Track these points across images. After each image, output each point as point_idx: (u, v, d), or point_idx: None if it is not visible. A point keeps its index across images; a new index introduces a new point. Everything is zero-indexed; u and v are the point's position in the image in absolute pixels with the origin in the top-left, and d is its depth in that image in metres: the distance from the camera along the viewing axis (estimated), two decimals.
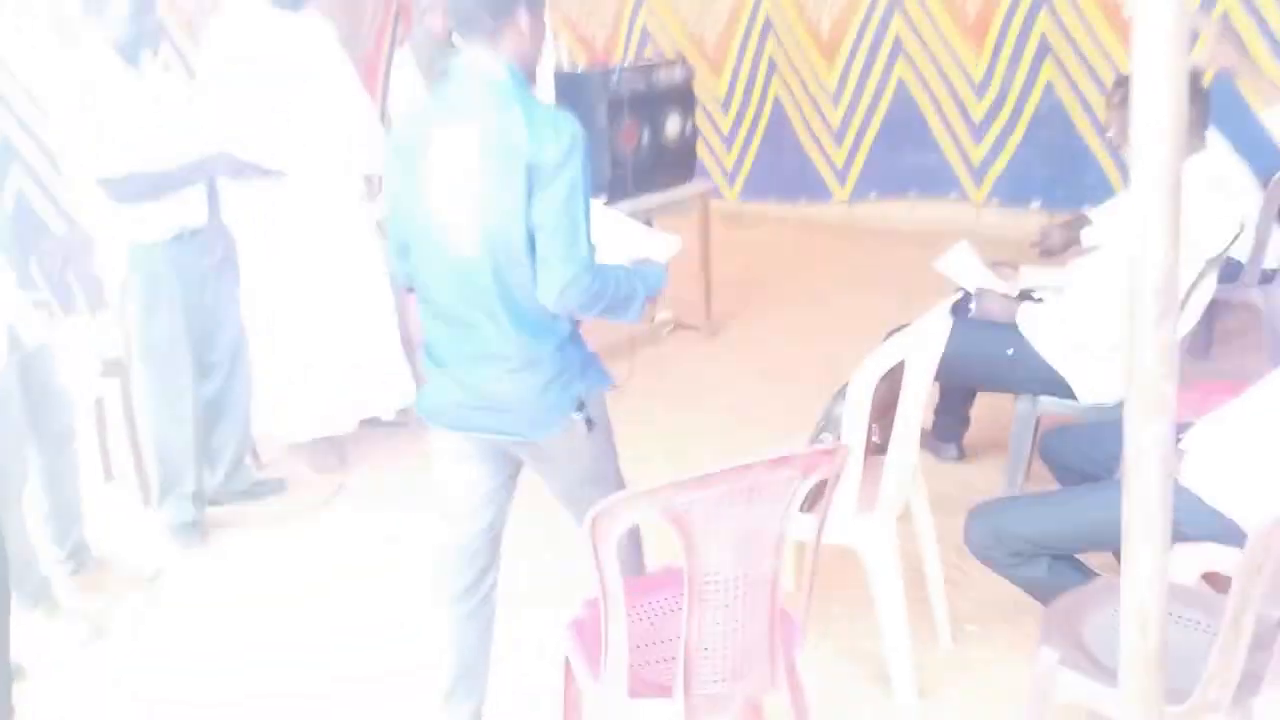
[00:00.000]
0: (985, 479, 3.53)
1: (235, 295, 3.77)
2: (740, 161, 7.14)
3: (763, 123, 6.98)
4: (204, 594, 3.39)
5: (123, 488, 4.06)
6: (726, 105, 7.01)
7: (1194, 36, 2.71)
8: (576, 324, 2.22)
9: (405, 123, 2.42)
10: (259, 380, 3.91)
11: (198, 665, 3.00)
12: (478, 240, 2.03)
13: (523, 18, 2.05)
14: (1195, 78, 3.11)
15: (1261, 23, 5.23)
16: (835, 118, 6.70)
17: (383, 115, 5.77)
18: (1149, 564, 1.16)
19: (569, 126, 2.01)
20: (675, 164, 4.96)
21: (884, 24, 6.37)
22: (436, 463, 2.33)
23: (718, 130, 6.94)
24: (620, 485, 2.29)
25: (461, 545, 2.34)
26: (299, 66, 3.73)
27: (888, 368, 2.36)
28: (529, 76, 2.12)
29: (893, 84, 6.44)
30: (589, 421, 2.20)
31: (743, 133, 7.08)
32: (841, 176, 6.84)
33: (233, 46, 3.69)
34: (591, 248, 2.07)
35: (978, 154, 6.33)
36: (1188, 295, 2.84)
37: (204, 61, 3.80)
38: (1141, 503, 1.15)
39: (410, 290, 2.29)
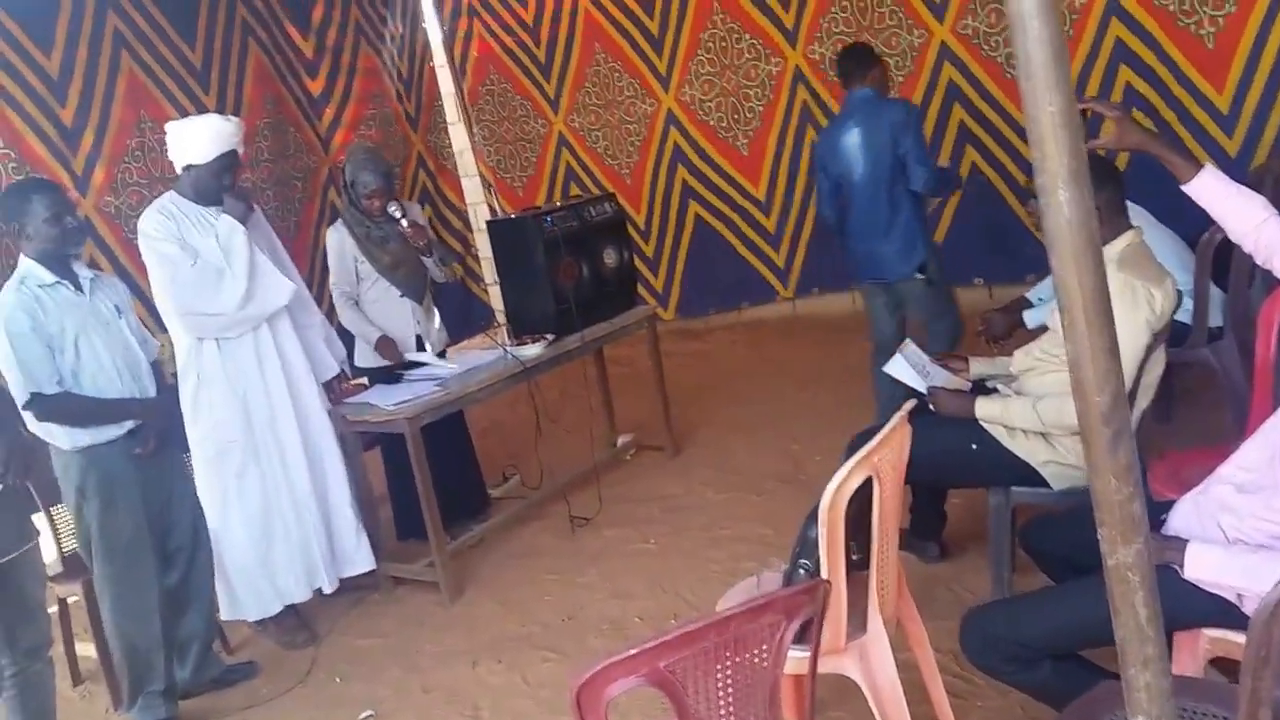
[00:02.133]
0: (972, 574, 3.50)
1: (188, 474, 3.71)
2: (669, 282, 7.29)
3: (685, 243, 7.17)
4: None
5: (91, 693, 3.92)
6: (646, 233, 7.19)
7: (1096, 123, 2.79)
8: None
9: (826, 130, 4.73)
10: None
11: None
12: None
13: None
14: (1107, 163, 3.19)
15: (1167, 95, 5.46)
16: (769, 224, 6.86)
17: (312, 268, 5.90)
18: (1151, 683, 1.14)
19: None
20: (617, 293, 5.01)
21: (799, 136, 6.58)
22: None
23: (642, 257, 7.09)
24: None
25: None
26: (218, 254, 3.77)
27: (855, 485, 2.34)
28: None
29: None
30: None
31: (665, 256, 7.25)
32: (783, 276, 6.96)
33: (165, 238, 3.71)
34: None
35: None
36: (1140, 372, 2.86)
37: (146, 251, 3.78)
38: (1133, 629, 1.14)
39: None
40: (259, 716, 3.60)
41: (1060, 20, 1.04)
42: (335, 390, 4.21)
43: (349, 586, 4.18)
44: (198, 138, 3.73)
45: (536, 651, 3.63)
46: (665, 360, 5.22)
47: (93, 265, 4.30)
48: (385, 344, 4.44)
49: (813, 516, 2.45)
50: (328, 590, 4.08)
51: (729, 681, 1.78)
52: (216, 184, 3.77)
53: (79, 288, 3.37)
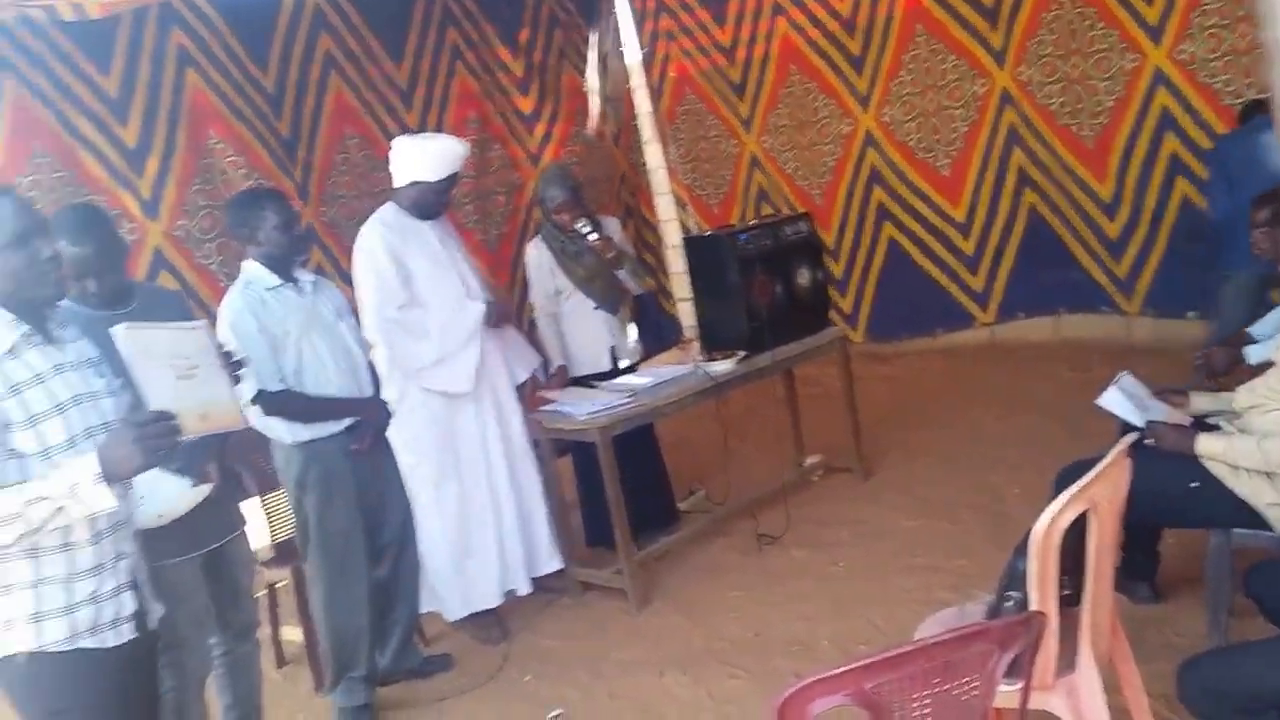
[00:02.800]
0: (1185, 618, 3.30)
1: (398, 477, 3.89)
2: (858, 305, 7.18)
3: (876, 265, 7.04)
4: None
5: (294, 675, 4.15)
6: (836, 254, 7.11)
7: None
8: None
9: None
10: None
11: None
12: None
13: None
14: None
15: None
16: (967, 247, 6.68)
17: (512, 280, 6.08)
18: None
19: None
20: (809, 313, 4.98)
21: (1004, 159, 6.40)
22: None
23: (831, 279, 7.00)
24: None
25: None
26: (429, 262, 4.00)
27: (1071, 518, 2.26)
28: None
29: (1023, 213, 6.43)
30: None
31: (855, 278, 7.15)
32: (982, 301, 6.77)
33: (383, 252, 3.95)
34: None
35: (1121, 269, 6.20)
36: None
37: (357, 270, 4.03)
38: None
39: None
40: (452, 707, 3.74)
41: None
42: (527, 393, 4.36)
43: (539, 588, 4.30)
44: (431, 157, 3.94)
45: (723, 667, 3.63)
46: (855, 382, 5.15)
47: (318, 270, 4.60)
48: (560, 373, 4.59)
49: (1021, 548, 2.37)
50: (523, 593, 4.21)
51: (927, 711, 1.74)
52: (438, 201, 4.00)
53: (301, 291, 3.58)
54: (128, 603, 2.22)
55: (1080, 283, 6.41)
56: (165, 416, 2.02)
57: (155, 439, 1.99)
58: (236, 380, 2.32)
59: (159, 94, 5.06)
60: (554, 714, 3.54)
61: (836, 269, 7.11)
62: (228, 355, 2.32)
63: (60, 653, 2.11)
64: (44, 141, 4.70)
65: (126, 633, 2.21)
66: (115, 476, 1.98)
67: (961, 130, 6.53)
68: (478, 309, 4.01)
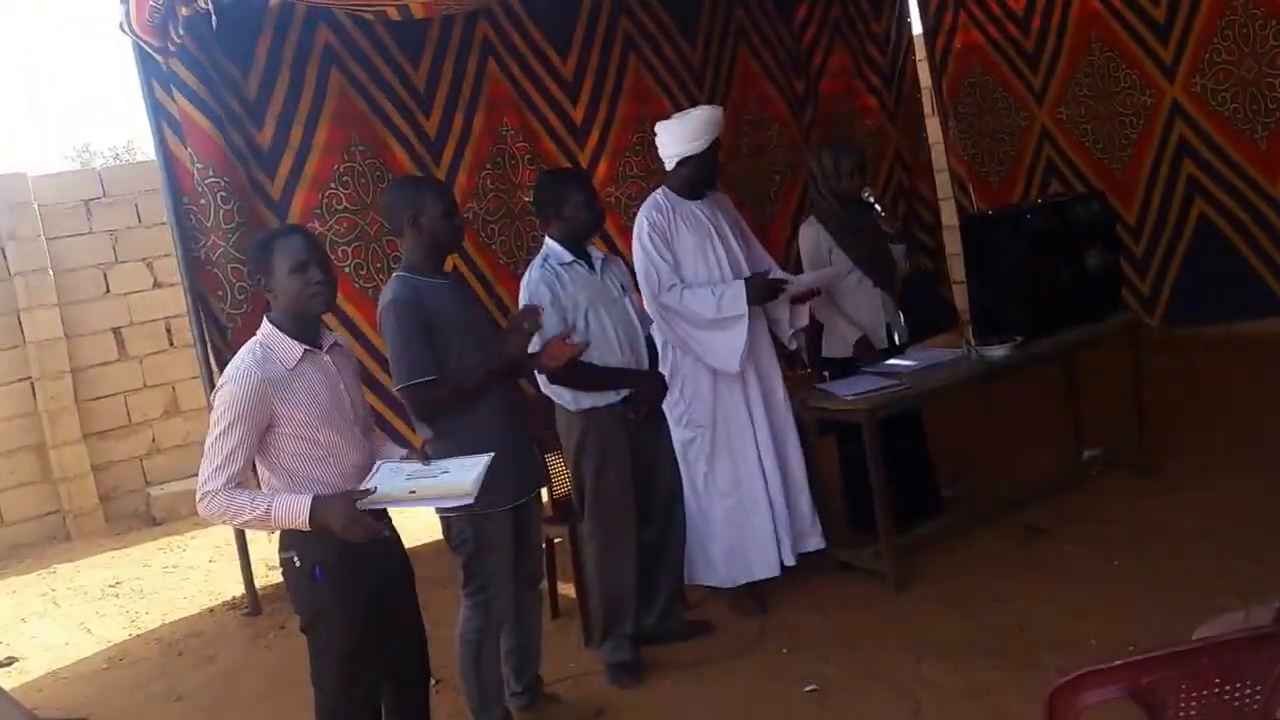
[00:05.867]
0: None
1: (671, 448, 4.06)
2: (1158, 287, 6.68)
3: (1182, 245, 6.52)
4: None
5: (567, 628, 4.40)
6: (1137, 232, 6.64)
7: None
8: None
9: None
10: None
11: None
12: None
13: None
14: None
15: None
16: None
17: (786, 259, 6.08)
18: None
19: None
20: (1098, 297, 4.74)
21: None
22: None
23: (1130, 259, 6.55)
24: None
25: None
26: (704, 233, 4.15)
27: None
28: None
29: None
30: None
31: (1158, 258, 6.64)
32: None
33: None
34: None
35: None
36: None
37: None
38: None
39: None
40: (710, 672, 3.85)
41: None
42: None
43: (799, 565, 4.33)
44: (689, 130, 4.08)
45: (983, 657, 3.56)
46: (1145, 372, 4.85)
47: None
48: (863, 345, 4.52)
49: None
50: (789, 562, 4.27)
51: (1199, 714, 1.67)
52: (710, 170, 4.15)
53: (592, 267, 3.81)
54: None
55: None
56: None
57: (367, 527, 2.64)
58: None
59: (460, 86, 5.44)
60: (810, 688, 3.59)
61: (1137, 249, 6.66)
62: None
63: None
64: (359, 130, 5.17)
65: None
66: (318, 526, 2.59)
67: None
68: (738, 287, 4.07)
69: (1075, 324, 4.64)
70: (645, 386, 3.86)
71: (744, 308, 4.04)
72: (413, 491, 2.70)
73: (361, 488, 2.68)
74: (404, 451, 2.97)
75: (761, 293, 4.08)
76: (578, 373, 3.68)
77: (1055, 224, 4.66)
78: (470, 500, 2.72)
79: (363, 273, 5.12)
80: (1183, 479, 4.74)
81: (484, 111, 5.52)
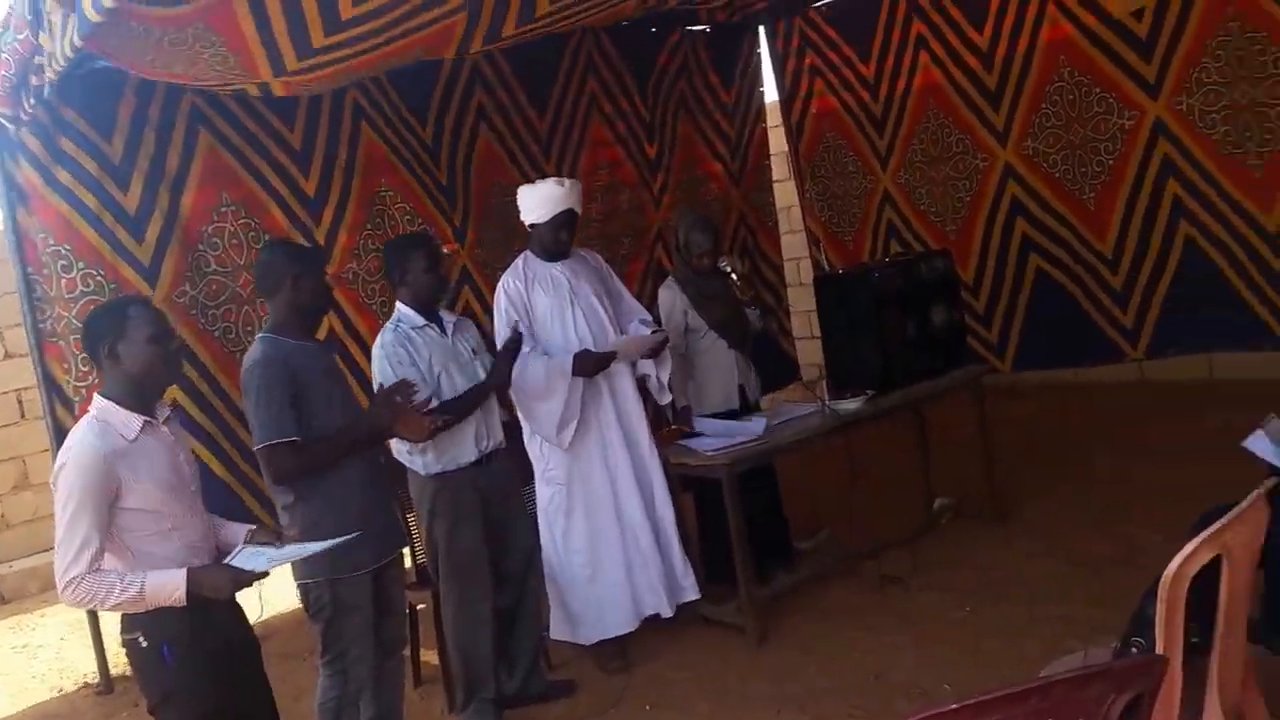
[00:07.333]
0: None
1: (524, 505, 4.05)
2: (1005, 336, 6.99)
3: (1023, 298, 6.85)
4: None
5: (430, 695, 4.29)
6: (976, 289, 6.95)
7: None
8: None
9: None
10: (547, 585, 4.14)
11: None
12: None
13: None
14: None
15: None
16: (1116, 282, 6.45)
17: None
18: None
19: None
20: (944, 351, 4.92)
21: (1157, 190, 6.16)
22: None
23: (973, 314, 6.85)
24: None
25: None
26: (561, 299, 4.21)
27: (1202, 563, 2.18)
28: None
29: (1179, 244, 6.17)
30: None
31: (1000, 311, 6.96)
32: (1132, 337, 6.51)
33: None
34: None
35: None
36: None
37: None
38: None
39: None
40: None
41: None
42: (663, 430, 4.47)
43: (660, 621, 4.32)
44: (539, 199, 4.18)
45: (842, 706, 3.60)
46: (993, 420, 5.05)
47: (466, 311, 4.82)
48: (684, 414, 4.61)
49: (1151, 592, 2.30)
50: (666, 614, 4.28)
51: None
52: (556, 240, 4.19)
53: (444, 330, 3.82)
54: None
55: (1239, 319, 6.10)
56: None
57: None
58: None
59: (337, 146, 5.39)
60: None
61: (977, 304, 6.96)
62: None
63: None
64: (231, 190, 5.06)
65: None
66: (197, 597, 2.53)
67: (1108, 163, 6.33)
68: (565, 361, 4.07)
69: (923, 377, 4.81)
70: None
71: (565, 382, 4.05)
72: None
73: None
74: (249, 528, 2.89)
75: (589, 366, 4.10)
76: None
77: (903, 281, 4.83)
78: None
79: (231, 336, 4.96)
80: (1029, 525, 4.92)
81: (361, 173, 5.48)
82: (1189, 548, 2.15)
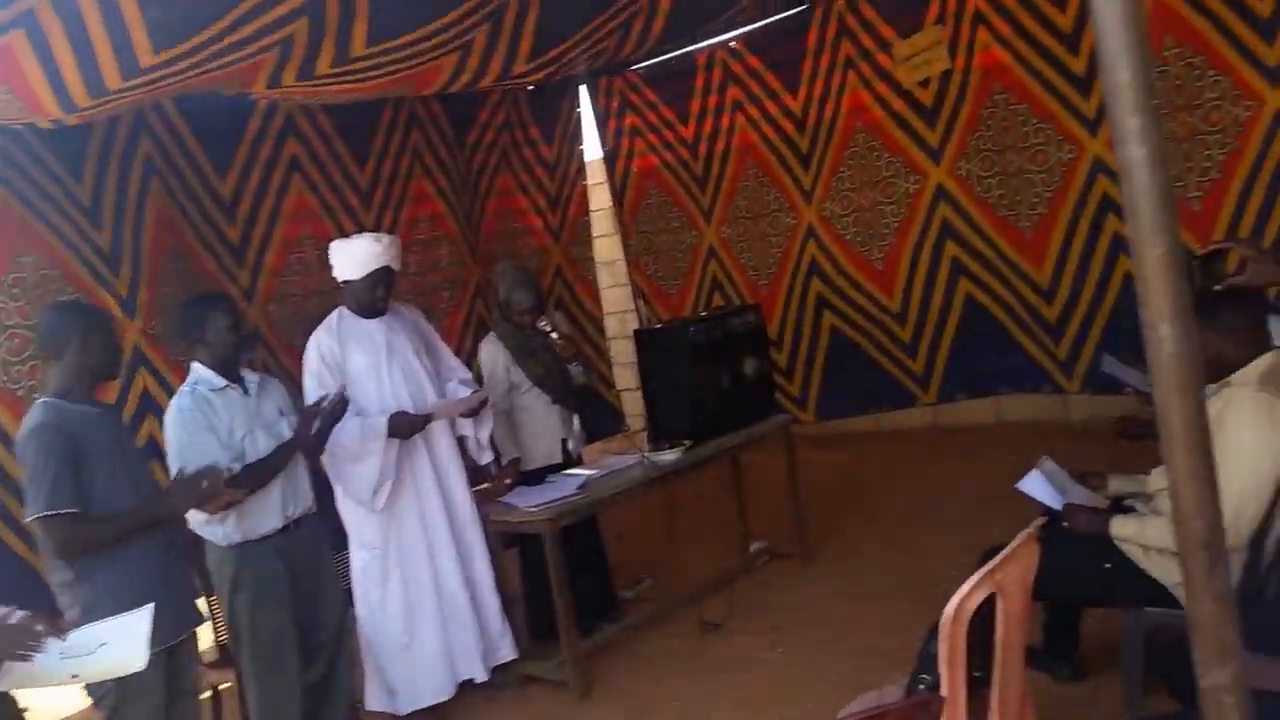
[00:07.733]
0: (1105, 697, 3.39)
1: (332, 574, 3.90)
2: (806, 388, 7.35)
3: (820, 353, 7.23)
4: None
5: None
6: (780, 342, 7.29)
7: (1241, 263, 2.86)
8: None
9: None
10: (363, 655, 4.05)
11: None
12: None
13: None
14: (1244, 289, 3.13)
15: None
16: (905, 335, 6.87)
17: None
18: None
19: None
20: (755, 401, 5.12)
21: (937, 250, 6.63)
22: None
23: (776, 366, 7.17)
24: None
25: None
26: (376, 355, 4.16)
27: (979, 601, 2.36)
28: None
29: (959, 300, 6.64)
30: None
31: (800, 365, 7.32)
32: (922, 382, 6.94)
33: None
34: None
35: (1061, 350, 6.40)
36: (1273, 513, 2.78)
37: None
38: None
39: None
40: None
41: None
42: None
43: (485, 682, 4.30)
44: (353, 256, 4.12)
45: None
46: (801, 467, 5.27)
47: (264, 369, 4.69)
48: (511, 466, 4.65)
49: (934, 632, 2.47)
50: (481, 679, 4.22)
51: None
52: (372, 298, 4.13)
53: (246, 391, 3.66)
54: None
55: (1021, 365, 6.60)
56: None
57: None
58: None
59: (126, 201, 5.17)
60: None
61: (780, 357, 7.28)
62: None
63: None
64: (28, 242, 4.79)
65: None
66: None
67: (894, 225, 6.78)
68: (380, 422, 4.03)
69: (736, 427, 4.99)
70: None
71: (380, 444, 4.00)
72: (75, 675, 2.44)
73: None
74: (21, 614, 2.44)
75: (405, 428, 4.06)
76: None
77: (717, 334, 5.02)
78: (144, 667, 2.52)
79: (36, 396, 4.67)
80: (836, 564, 5.15)
81: (151, 227, 5.25)
82: (965, 588, 2.33)
